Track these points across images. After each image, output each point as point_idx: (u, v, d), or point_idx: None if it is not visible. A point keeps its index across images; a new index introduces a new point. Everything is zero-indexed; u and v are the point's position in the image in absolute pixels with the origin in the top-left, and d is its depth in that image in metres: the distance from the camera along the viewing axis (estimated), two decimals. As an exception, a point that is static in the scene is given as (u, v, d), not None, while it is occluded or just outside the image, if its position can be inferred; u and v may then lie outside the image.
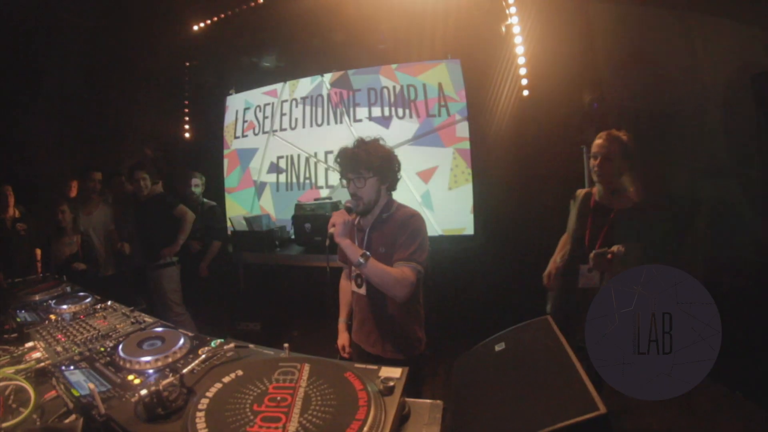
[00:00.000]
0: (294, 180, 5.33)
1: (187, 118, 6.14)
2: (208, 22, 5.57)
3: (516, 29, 4.42)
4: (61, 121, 5.16)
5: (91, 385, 1.07)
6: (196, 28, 5.61)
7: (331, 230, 1.86)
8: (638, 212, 2.40)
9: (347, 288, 2.31)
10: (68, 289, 2.48)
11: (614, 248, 2.30)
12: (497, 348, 1.69)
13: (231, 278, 4.65)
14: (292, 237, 4.53)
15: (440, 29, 4.61)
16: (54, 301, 2.14)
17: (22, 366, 1.36)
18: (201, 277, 4.24)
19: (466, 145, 4.55)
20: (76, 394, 1.15)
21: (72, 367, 1.32)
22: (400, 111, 4.86)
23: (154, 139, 5.81)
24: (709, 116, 3.52)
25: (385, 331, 2.03)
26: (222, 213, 4.61)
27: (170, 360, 1.29)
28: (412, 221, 1.98)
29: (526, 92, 4.43)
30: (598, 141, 2.51)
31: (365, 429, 0.82)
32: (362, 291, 2.08)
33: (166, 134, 5.94)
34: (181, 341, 1.37)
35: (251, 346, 1.32)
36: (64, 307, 2.01)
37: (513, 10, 4.46)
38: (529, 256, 4.39)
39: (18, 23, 4.54)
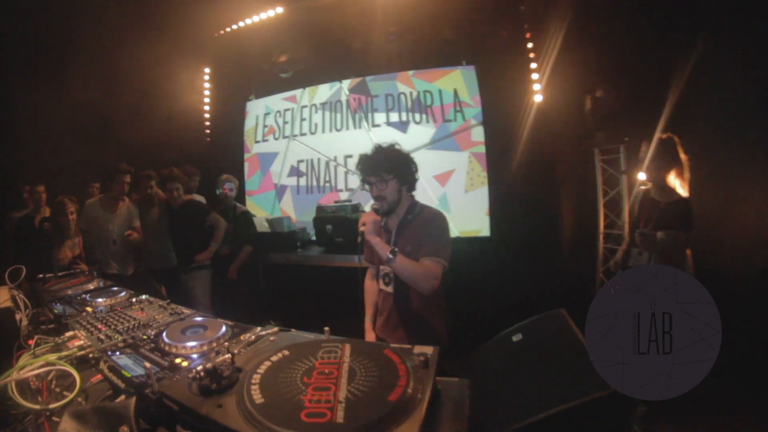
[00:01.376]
0: (314, 183, 5.44)
1: (207, 123, 6.26)
2: (229, 29, 5.71)
3: (529, 35, 4.50)
4: (81, 120, 5.27)
5: (147, 364, 1.13)
6: (217, 34, 5.76)
7: (362, 228, 2.01)
8: (681, 205, 2.71)
9: (372, 288, 2.43)
10: (101, 284, 2.52)
11: (658, 233, 2.67)
12: (514, 339, 1.84)
13: (255, 278, 4.74)
14: (313, 238, 4.63)
15: (455, 36, 4.72)
16: (89, 295, 2.19)
17: (64, 353, 1.41)
18: (229, 280, 4.30)
19: (482, 148, 4.63)
20: (127, 375, 1.20)
21: (118, 353, 1.38)
22: (417, 116, 4.95)
23: (178, 147, 5.90)
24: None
25: (411, 326, 2.13)
26: (252, 218, 4.68)
27: (215, 345, 1.35)
28: (436, 220, 2.12)
29: (539, 97, 4.48)
30: (643, 146, 2.89)
31: (408, 392, 0.89)
32: (389, 289, 2.19)
33: (187, 139, 6.06)
34: (224, 329, 1.44)
35: (293, 330, 1.39)
36: (100, 300, 2.07)
37: (525, 17, 4.55)
38: (544, 257, 4.47)
39: (40, 27, 4.68)
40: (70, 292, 2.36)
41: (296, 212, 5.57)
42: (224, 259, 4.31)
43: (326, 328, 1.26)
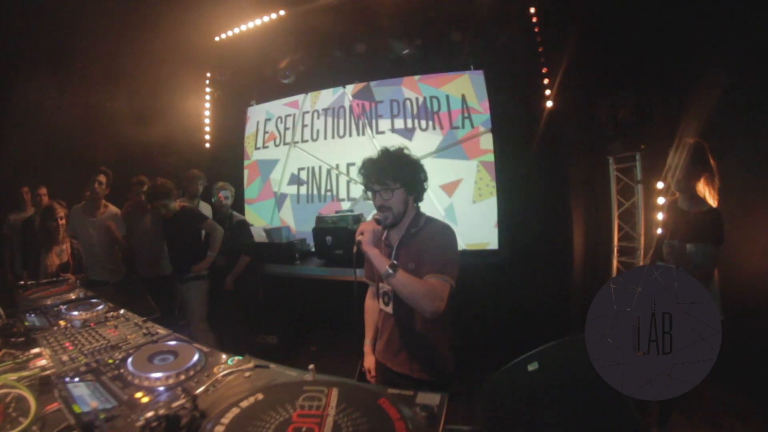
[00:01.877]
0: (315, 192, 5.26)
1: (207, 129, 6.13)
2: (230, 33, 5.59)
3: (539, 39, 4.34)
4: (80, 123, 5.19)
5: (94, 404, 0.95)
6: (218, 39, 5.64)
7: (359, 238, 1.78)
8: (711, 216, 2.53)
9: (373, 308, 2.20)
10: (81, 294, 2.41)
11: (687, 246, 2.51)
12: (530, 368, 1.61)
13: (252, 291, 4.56)
14: (312, 250, 4.44)
15: (463, 40, 4.56)
16: (65, 307, 2.06)
17: (25, 373, 1.28)
18: (225, 291, 4.13)
19: (491, 157, 4.44)
20: (77, 410, 1.04)
21: (77, 379, 1.22)
22: (423, 123, 4.78)
23: (175, 151, 5.78)
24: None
25: (414, 351, 1.91)
26: (249, 227, 4.52)
27: (182, 378, 1.18)
28: (443, 234, 1.88)
29: (550, 103, 4.30)
30: (671, 153, 2.72)
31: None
32: (389, 309, 1.96)
33: (186, 144, 5.92)
34: (196, 357, 1.26)
35: (272, 365, 1.19)
36: (75, 313, 1.93)
37: (534, 20, 4.39)
38: (555, 272, 4.27)
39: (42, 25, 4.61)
40: (48, 302, 2.26)
41: (296, 222, 5.38)
42: (221, 270, 4.13)
43: (311, 366, 1.06)
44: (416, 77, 4.88)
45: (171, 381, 1.16)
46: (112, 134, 5.27)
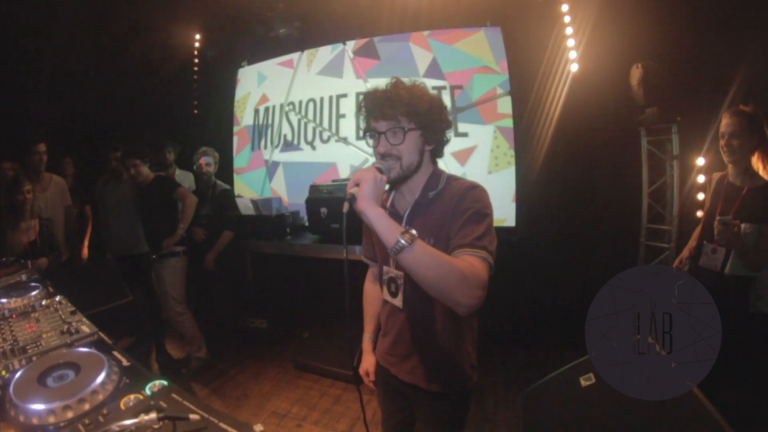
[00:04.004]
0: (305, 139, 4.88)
1: (195, 94, 5.71)
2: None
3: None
4: (68, 86, 4.90)
5: None
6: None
7: (352, 190, 1.17)
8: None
9: (374, 294, 1.70)
10: (23, 277, 2.08)
11: (742, 225, 2.19)
12: (584, 382, 1.35)
13: (238, 270, 4.21)
14: (306, 224, 4.00)
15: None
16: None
17: None
18: (207, 271, 3.73)
19: (509, 122, 3.94)
20: None
21: None
22: (434, 83, 4.27)
23: (167, 118, 5.44)
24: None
25: (429, 356, 1.42)
26: (234, 198, 4.08)
27: (70, 415, 0.77)
28: (474, 194, 1.31)
29: (575, 66, 3.85)
30: (724, 119, 2.35)
31: None
32: (397, 301, 1.45)
33: (173, 108, 5.55)
34: (101, 377, 0.85)
35: (193, 417, 0.72)
36: (4, 300, 1.60)
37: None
38: (578, 254, 3.88)
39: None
40: None
41: (288, 193, 4.90)
42: (202, 248, 3.72)
43: (258, 428, 0.62)
44: (426, 33, 4.35)
45: (52, 419, 0.75)
46: (100, 98, 5.01)
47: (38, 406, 0.77)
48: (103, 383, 0.84)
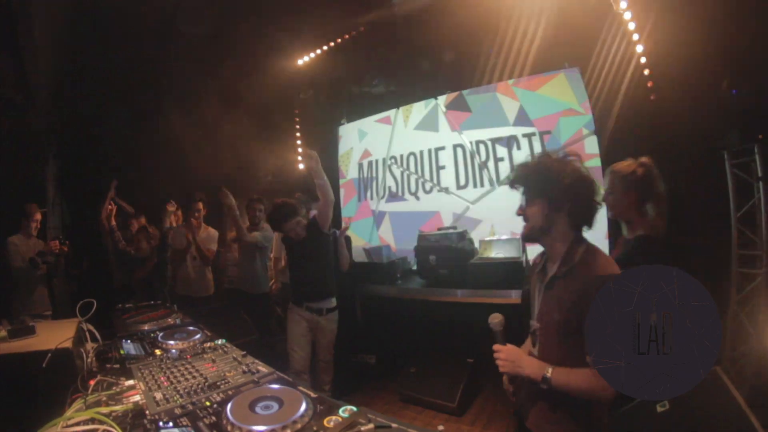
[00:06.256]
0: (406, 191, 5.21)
1: (300, 150, 6.21)
2: (312, 55, 5.64)
3: (631, 26, 3.93)
4: (171, 150, 5.34)
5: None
6: (301, 62, 5.71)
7: (504, 369, 1.49)
8: (643, 243, 2.15)
9: None
10: (178, 320, 2.39)
11: None
12: (659, 408, 1.51)
13: (350, 309, 4.38)
14: (414, 268, 4.33)
15: (553, 37, 4.23)
16: (162, 334, 2.02)
17: (117, 407, 1.24)
18: None
19: (597, 162, 4.02)
20: None
21: (170, 424, 1.13)
22: (522, 129, 4.49)
23: (272, 173, 5.95)
24: None
25: (565, 411, 1.46)
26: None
27: None
28: (605, 283, 1.23)
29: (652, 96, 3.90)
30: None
31: None
32: (535, 351, 1.54)
33: (280, 167, 6.04)
34: (303, 407, 1.11)
35: (394, 425, 1.01)
36: (172, 342, 1.88)
37: (624, 5, 3.96)
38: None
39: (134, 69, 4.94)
40: (146, 327, 2.27)
41: (396, 240, 5.28)
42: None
43: (441, 428, 0.87)
44: (510, 81, 4.58)
45: (275, 437, 1.03)
46: (206, 161, 5.32)
47: (260, 428, 1.04)
48: (306, 411, 1.09)
